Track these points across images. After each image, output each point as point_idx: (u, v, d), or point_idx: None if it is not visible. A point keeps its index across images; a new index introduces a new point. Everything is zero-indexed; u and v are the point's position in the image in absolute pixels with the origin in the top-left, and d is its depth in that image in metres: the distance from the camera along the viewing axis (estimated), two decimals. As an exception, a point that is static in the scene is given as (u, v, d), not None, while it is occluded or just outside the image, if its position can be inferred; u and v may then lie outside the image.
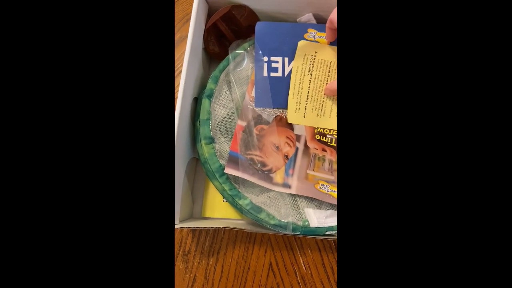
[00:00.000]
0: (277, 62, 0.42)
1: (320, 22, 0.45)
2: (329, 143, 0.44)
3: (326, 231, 0.39)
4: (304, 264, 0.44)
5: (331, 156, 0.43)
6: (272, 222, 0.38)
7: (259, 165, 0.41)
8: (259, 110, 0.42)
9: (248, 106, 0.42)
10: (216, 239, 0.45)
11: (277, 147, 0.42)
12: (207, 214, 0.45)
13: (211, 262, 0.44)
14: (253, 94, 0.42)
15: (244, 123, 0.42)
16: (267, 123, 0.42)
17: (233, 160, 0.40)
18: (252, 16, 0.46)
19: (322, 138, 0.44)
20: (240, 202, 0.39)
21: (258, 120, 0.42)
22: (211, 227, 0.42)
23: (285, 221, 0.38)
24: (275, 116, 0.43)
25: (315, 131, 0.44)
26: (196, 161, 0.46)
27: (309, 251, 0.45)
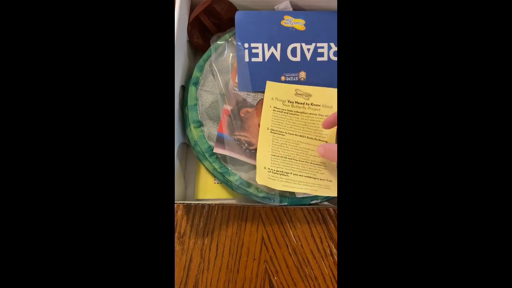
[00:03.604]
0: (257, 48, 0.45)
1: (296, 9, 0.48)
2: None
3: (312, 200, 0.41)
4: (294, 236, 0.47)
5: (313, 134, 0.46)
6: (261, 194, 0.41)
7: (246, 145, 0.43)
8: (243, 94, 0.45)
9: (233, 91, 0.45)
10: (210, 220, 0.47)
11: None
12: (200, 196, 0.47)
13: (206, 242, 0.47)
14: (236, 80, 0.45)
15: (230, 107, 0.44)
16: (252, 106, 0.45)
17: (221, 141, 0.43)
18: (232, 9, 0.49)
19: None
20: (230, 178, 0.41)
21: (243, 103, 0.45)
22: (205, 203, 0.44)
23: (273, 193, 0.41)
24: (259, 100, 0.46)
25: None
26: (186, 147, 0.49)
27: (298, 223, 0.47)
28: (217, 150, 0.42)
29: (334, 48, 0.47)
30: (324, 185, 0.41)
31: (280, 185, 0.40)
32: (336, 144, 0.41)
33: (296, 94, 0.45)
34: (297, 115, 0.45)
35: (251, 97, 0.45)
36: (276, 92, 0.45)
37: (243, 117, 0.45)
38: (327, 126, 0.42)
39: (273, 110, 0.44)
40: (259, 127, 0.44)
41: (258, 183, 0.40)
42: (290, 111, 0.45)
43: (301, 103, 0.45)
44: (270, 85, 0.45)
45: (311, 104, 0.45)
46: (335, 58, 0.47)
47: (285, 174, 0.41)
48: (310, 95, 0.45)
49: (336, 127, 0.43)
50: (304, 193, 0.41)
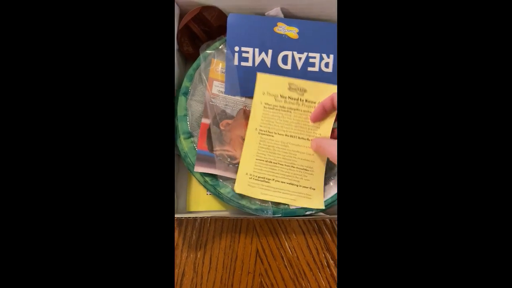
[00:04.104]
0: (247, 52, 0.44)
1: (287, 16, 0.47)
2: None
3: (306, 212, 0.40)
4: (289, 247, 0.46)
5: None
6: (254, 206, 0.40)
7: (229, 159, 0.42)
8: (222, 105, 0.43)
9: (210, 103, 0.43)
10: (202, 232, 0.46)
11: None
12: (192, 208, 0.46)
13: (198, 255, 0.45)
14: (213, 91, 0.43)
15: (208, 121, 0.42)
16: (232, 117, 0.43)
17: (203, 159, 0.41)
18: (222, 16, 0.48)
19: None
20: (222, 190, 0.40)
21: (223, 115, 0.43)
22: (197, 217, 0.43)
23: (266, 205, 0.40)
24: (239, 110, 0.44)
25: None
26: (177, 158, 0.47)
27: (294, 234, 0.46)
28: (199, 169, 0.40)
29: (326, 59, 0.46)
30: (305, 193, 0.40)
31: (258, 193, 0.39)
32: (329, 139, 0.40)
33: (290, 88, 0.42)
34: (290, 112, 0.42)
35: (230, 108, 0.43)
36: (267, 85, 0.42)
37: (223, 130, 0.43)
38: (315, 119, 0.41)
39: (264, 107, 0.42)
40: (241, 139, 0.42)
41: (236, 191, 0.39)
42: (283, 107, 0.42)
43: (294, 99, 0.42)
44: (261, 77, 0.42)
45: (305, 100, 0.42)
46: (326, 69, 0.46)
47: (267, 180, 0.40)
48: (305, 91, 0.42)
49: (329, 125, 0.41)
50: (285, 204, 0.40)
